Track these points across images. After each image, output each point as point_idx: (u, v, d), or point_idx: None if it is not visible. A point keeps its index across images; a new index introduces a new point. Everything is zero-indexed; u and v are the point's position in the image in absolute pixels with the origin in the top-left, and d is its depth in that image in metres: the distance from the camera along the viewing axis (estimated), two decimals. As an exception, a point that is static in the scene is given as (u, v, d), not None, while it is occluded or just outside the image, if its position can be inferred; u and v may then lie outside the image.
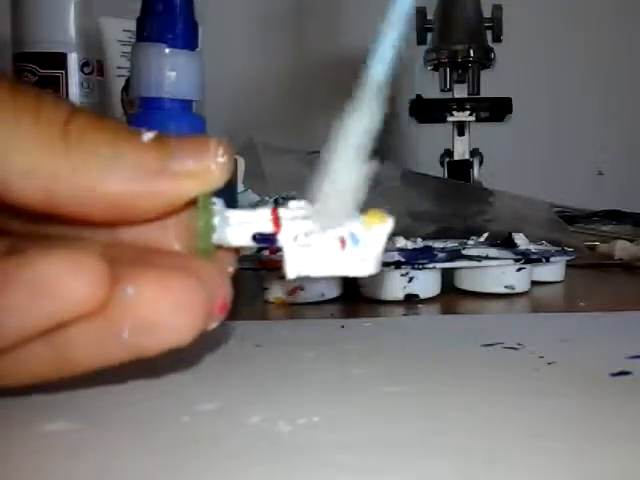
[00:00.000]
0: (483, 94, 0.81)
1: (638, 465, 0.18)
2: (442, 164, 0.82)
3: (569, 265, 0.46)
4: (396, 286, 0.39)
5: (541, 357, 0.27)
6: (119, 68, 0.57)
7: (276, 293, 0.39)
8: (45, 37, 0.53)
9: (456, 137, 0.82)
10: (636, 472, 0.17)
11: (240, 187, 0.52)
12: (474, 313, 0.38)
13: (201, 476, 0.17)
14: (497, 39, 0.83)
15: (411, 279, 0.39)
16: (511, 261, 0.41)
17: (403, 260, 0.39)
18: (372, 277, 0.41)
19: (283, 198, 0.50)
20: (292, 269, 0.21)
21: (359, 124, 0.20)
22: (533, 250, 0.43)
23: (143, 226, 0.20)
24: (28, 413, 0.20)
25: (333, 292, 0.40)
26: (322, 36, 1.09)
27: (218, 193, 0.20)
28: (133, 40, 0.40)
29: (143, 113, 0.40)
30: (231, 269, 0.21)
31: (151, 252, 0.20)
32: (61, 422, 0.19)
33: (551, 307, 0.42)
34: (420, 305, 0.39)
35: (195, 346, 0.29)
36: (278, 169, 0.55)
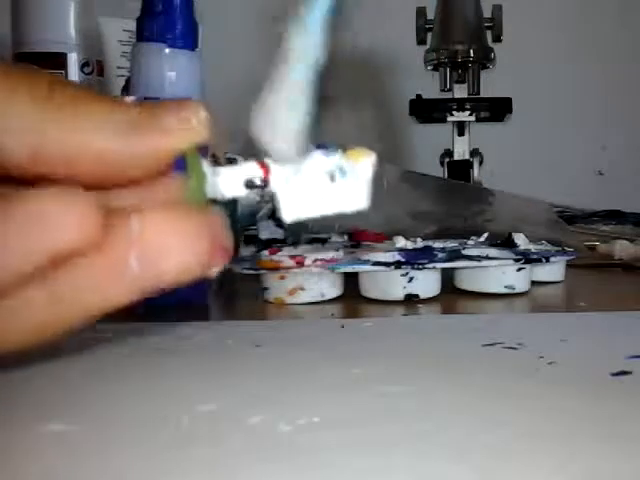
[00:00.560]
0: (483, 94, 0.81)
1: (638, 465, 0.18)
2: (442, 164, 0.82)
3: (569, 265, 0.46)
4: (396, 286, 0.39)
5: (541, 357, 0.27)
6: (119, 68, 0.57)
7: (276, 293, 0.39)
8: (45, 37, 0.53)
9: (456, 137, 0.82)
10: (636, 472, 0.17)
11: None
12: (474, 313, 0.38)
13: (201, 476, 0.17)
14: (497, 39, 0.83)
15: (411, 279, 0.39)
16: (511, 261, 0.41)
17: (403, 260, 0.39)
18: (372, 277, 0.41)
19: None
20: (288, 212, 0.21)
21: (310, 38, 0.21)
22: (533, 250, 0.43)
23: (131, 191, 0.20)
24: (28, 413, 0.20)
25: (333, 292, 0.40)
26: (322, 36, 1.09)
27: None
28: (133, 40, 0.40)
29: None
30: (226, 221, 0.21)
31: (148, 201, 0.20)
32: (61, 422, 0.19)
33: (551, 307, 0.42)
34: (420, 305, 0.39)
35: (195, 346, 0.29)
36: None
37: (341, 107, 1.06)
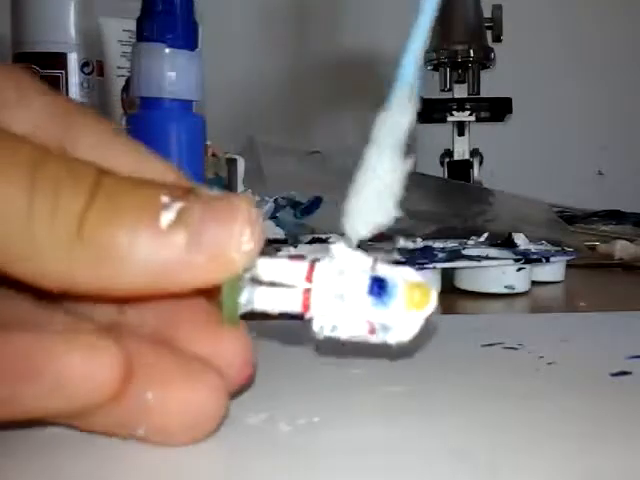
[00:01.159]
0: (483, 94, 0.81)
1: (638, 465, 0.18)
2: (442, 164, 0.82)
3: (569, 265, 0.46)
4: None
5: (541, 357, 0.27)
6: (119, 68, 0.57)
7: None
8: (45, 37, 0.53)
9: (456, 137, 0.82)
10: (636, 472, 0.17)
11: (240, 187, 0.52)
12: (474, 313, 0.38)
13: (201, 476, 0.17)
14: (497, 39, 0.83)
15: (411, 279, 0.39)
16: (511, 261, 0.41)
17: (403, 260, 0.39)
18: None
19: (283, 198, 0.50)
20: (320, 331, 0.20)
21: (397, 124, 0.19)
22: (533, 250, 0.43)
23: (154, 304, 0.20)
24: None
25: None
26: (322, 36, 1.09)
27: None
28: (133, 40, 0.40)
29: (143, 113, 0.40)
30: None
31: (166, 339, 0.19)
32: (62, 423, 0.19)
33: (551, 307, 0.42)
34: (420, 305, 0.39)
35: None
36: (278, 169, 0.55)
37: (341, 107, 1.06)
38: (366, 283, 0.20)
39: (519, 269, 0.41)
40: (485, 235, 0.46)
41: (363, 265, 0.20)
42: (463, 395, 0.23)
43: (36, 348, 0.17)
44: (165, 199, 0.17)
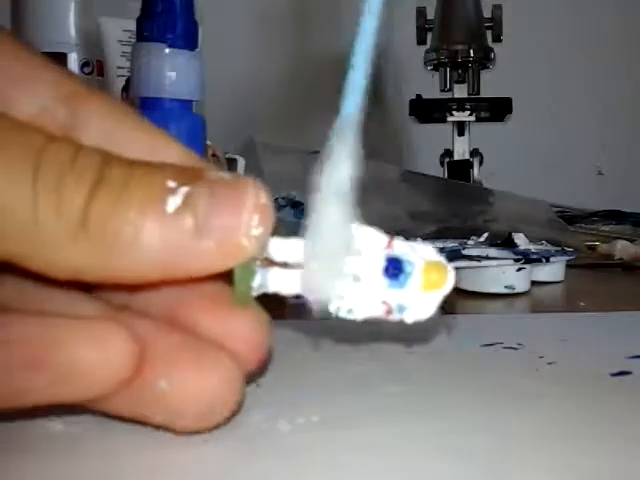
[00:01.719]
0: (483, 94, 0.81)
1: (638, 465, 0.18)
2: (442, 164, 0.82)
3: (569, 265, 0.46)
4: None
5: (541, 357, 0.27)
6: (119, 68, 0.57)
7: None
8: (45, 37, 0.53)
9: (456, 137, 0.82)
10: (636, 472, 0.17)
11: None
12: (474, 313, 0.38)
13: (201, 475, 0.17)
14: (497, 39, 0.83)
15: (411, 279, 0.39)
16: (511, 261, 0.41)
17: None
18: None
19: (282, 198, 0.50)
20: (337, 309, 0.20)
21: (340, 171, 0.18)
22: (533, 250, 0.43)
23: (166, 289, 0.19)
24: (30, 413, 0.20)
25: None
26: (322, 36, 1.09)
27: None
28: (133, 40, 0.40)
29: (143, 113, 0.39)
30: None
31: (179, 319, 0.19)
32: (61, 424, 0.19)
33: (551, 307, 0.42)
34: (420, 305, 0.39)
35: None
36: (278, 169, 0.55)
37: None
38: (381, 264, 0.19)
39: (519, 269, 0.41)
40: (485, 235, 0.46)
41: (379, 243, 0.20)
42: (463, 395, 0.23)
43: (48, 336, 0.17)
44: (171, 184, 0.17)
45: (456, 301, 0.40)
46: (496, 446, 0.19)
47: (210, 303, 0.19)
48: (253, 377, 0.21)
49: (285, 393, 0.22)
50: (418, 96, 0.83)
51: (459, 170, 0.80)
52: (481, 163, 0.80)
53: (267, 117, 1.05)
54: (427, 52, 0.82)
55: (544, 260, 0.43)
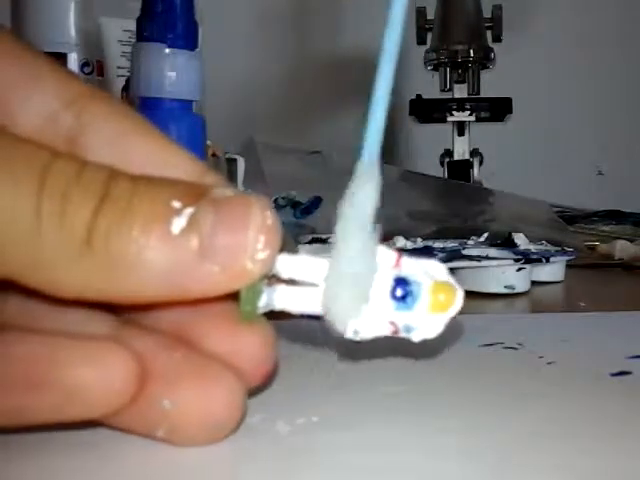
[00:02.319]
0: (483, 94, 0.81)
1: (638, 465, 0.18)
2: (442, 164, 0.82)
3: (569, 265, 0.46)
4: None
5: (541, 357, 0.27)
6: (119, 68, 0.57)
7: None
8: (45, 37, 0.53)
9: (456, 137, 0.82)
10: (636, 472, 0.17)
11: (240, 187, 0.52)
12: (474, 313, 0.38)
13: (200, 475, 0.17)
14: (497, 39, 0.83)
15: (411, 279, 0.39)
16: (511, 261, 0.41)
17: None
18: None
19: (282, 198, 0.50)
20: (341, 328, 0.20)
21: (364, 196, 0.18)
22: (533, 250, 0.43)
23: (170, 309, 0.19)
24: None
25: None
26: (322, 36, 1.09)
27: None
28: (133, 40, 0.40)
29: (143, 113, 0.39)
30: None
31: (184, 335, 0.19)
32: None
33: (551, 307, 0.42)
34: (420, 305, 0.38)
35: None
36: (278, 169, 0.55)
37: (341, 107, 1.05)
38: (389, 284, 0.19)
39: (519, 269, 0.41)
40: (485, 235, 0.46)
41: (387, 261, 0.19)
42: (463, 395, 0.23)
43: (50, 356, 0.17)
44: (176, 204, 0.17)
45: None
46: (496, 446, 0.19)
47: (217, 319, 0.19)
48: (259, 389, 0.21)
49: (285, 394, 0.22)
50: (418, 96, 0.84)
51: (459, 170, 0.80)
52: (481, 163, 0.80)
53: (267, 117, 1.05)
54: (427, 52, 0.82)
55: (544, 260, 0.43)
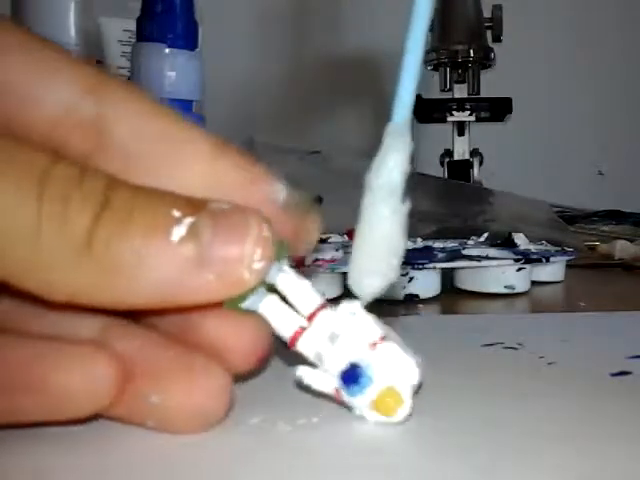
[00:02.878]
0: (483, 94, 0.81)
1: (638, 465, 0.18)
2: (442, 164, 0.82)
3: (569, 265, 0.46)
4: (396, 286, 0.39)
5: (541, 357, 0.27)
6: (119, 68, 0.57)
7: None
8: (45, 37, 0.53)
9: (456, 137, 0.82)
10: (636, 472, 0.17)
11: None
12: (474, 313, 0.38)
13: (200, 475, 0.17)
14: (497, 39, 0.83)
15: (411, 279, 0.39)
16: (511, 261, 0.41)
17: (403, 260, 0.39)
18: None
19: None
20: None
21: (392, 170, 0.19)
22: (533, 250, 0.43)
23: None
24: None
25: (333, 292, 0.40)
26: (322, 36, 1.09)
27: None
28: (133, 40, 0.40)
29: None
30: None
31: (176, 323, 0.20)
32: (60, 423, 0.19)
33: (551, 307, 0.42)
34: (420, 305, 0.39)
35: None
36: (278, 169, 0.55)
37: (341, 107, 1.05)
38: (343, 365, 0.19)
39: (519, 269, 0.41)
40: (485, 235, 0.46)
41: (369, 337, 0.19)
42: (463, 395, 0.23)
43: (35, 360, 0.17)
44: (176, 213, 0.17)
45: (456, 301, 0.40)
46: (496, 446, 0.19)
47: (213, 307, 0.19)
48: (253, 374, 0.21)
49: (285, 393, 0.22)
50: (418, 96, 0.83)
51: (459, 170, 0.80)
52: (481, 163, 0.80)
53: (267, 117, 1.05)
54: (427, 52, 0.82)
55: (544, 260, 0.43)
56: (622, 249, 0.55)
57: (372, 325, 0.20)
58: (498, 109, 0.81)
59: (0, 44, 0.19)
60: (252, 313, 0.20)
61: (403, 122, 0.19)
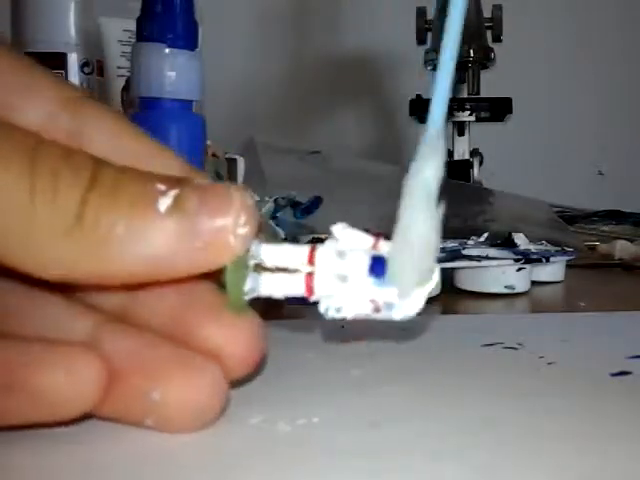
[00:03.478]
0: (483, 94, 0.81)
1: (638, 465, 0.18)
2: (442, 164, 0.81)
3: (569, 265, 0.46)
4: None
5: (541, 357, 0.27)
6: (119, 68, 0.57)
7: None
8: (45, 37, 0.53)
9: (456, 137, 0.82)
10: (636, 472, 0.17)
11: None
12: (474, 313, 0.38)
13: (201, 475, 0.17)
14: (497, 39, 0.83)
15: (411, 279, 0.39)
16: (511, 261, 0.41)
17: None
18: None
19: (282, 198, 0.50)
20: (326, 310, 0.20)
21: (428, 174, 0.20)
22: (533, 250, 0.43)
23: (164, 289, 0.20)
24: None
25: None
26: (322, 36, 1.09)
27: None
28: (133, 40, 0.40)
29: (143, 113, 0.40)
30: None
31: (174, 324, 0.20)
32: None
33: (551, 307, 0.42)
34: (420, 305, 0.38)
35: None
36: (278, 169, 0.55)
37: (341, 107, 1.05)
38: (366, 263, 0.20)
39: (519, 269, 0.41)
40: (485, 235, 0.46)
41: (364, 244, 0.20)
42: (463, 395, 0.23)
43: (20, 361, 0.17)
44: (161, 187, 0.18)
45: (456, 301, 0.40)
46: (496, 446, 0.19)
47: (208, 310, 0.20)
48: (249, 377, 0.22)
49: (285, 393, 0.22)
50: (418, 96, 0.83)
51: (459, 170, 0.80)
52: (481, 163, 0.80)
53: (267, 117, 1.05)
54: (427, 52, 0.82)
55: (544, 260, 0.43)
56: (622, 249, 0.55)
57: (362, 235, 0.20)
58: (498, 109, 0.81)
59: None
60: (248, 314, 0.20)
61: (437, 129, 0.20)
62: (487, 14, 0.82)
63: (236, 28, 1.03)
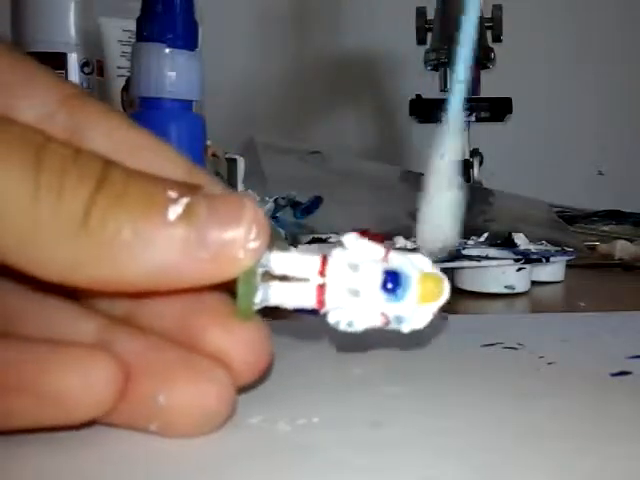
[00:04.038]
0: (483, 94, 0.81)
1: (638, 465, 0.18)
2: (442, 164, 0.81)
3: (569, 265, 0.46)
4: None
5: (541, 357, 0.27)
6: (119, 68, 0.57)
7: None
8: (45, 37, 0.53)
9: (456, 137, 0.82)
10: (636, 472, 0.17)
11: (240, 187, 0.52)
12: (474, 313, 0.38)
13: (201, 475, 0.17)
14: (497, 39, 0.83)
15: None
16: (511, 261, 0.41)
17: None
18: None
19: (282, 198, 0.50)
20: (335, 321, 0.20)
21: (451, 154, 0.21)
22: (533, 250, 0.43)
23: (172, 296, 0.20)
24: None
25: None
26: (322, 36, 1.09)
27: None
28: (133, 40, 0.40)
29: (143, 113, 0.40)
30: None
31: (181, 330, 0.20)
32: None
33: (551, 307, 0.42)
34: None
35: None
36: (278, 169, 0.55)
37: (341, 107, 1.05)
38: (379, 277, 0.20)
39: (519, 269, 0.41)
40: (485, 235, 0.46)
41: (375, 255, 0.20)
42: (463, 395, 0.23)
43: (34, 362, 0.17)
44: (172, 194, 0.17)
45: (456, 301, 0.40)
46: (496, 446, 0.19)
47: (215, 317, 0.19)
48: (254, 384, 0.21)
49: (285, 393, 0.22)
50: (418, 96, 0.83)
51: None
52: (481, 163, 0.80)
53: (267, 117, 1.05)
54: (427, 52, 0.82)
55: (544, 260, 0.43)
56: (622, 249, 0.55)
57: (372, 245, 0.20)
58: (498, 109, 0.81)
59: None
60: (255, 319, 0.20)
61: (456, 117, 0.22)
62: (487, 14, 0.82)
63: (236, 28, 1.03)
